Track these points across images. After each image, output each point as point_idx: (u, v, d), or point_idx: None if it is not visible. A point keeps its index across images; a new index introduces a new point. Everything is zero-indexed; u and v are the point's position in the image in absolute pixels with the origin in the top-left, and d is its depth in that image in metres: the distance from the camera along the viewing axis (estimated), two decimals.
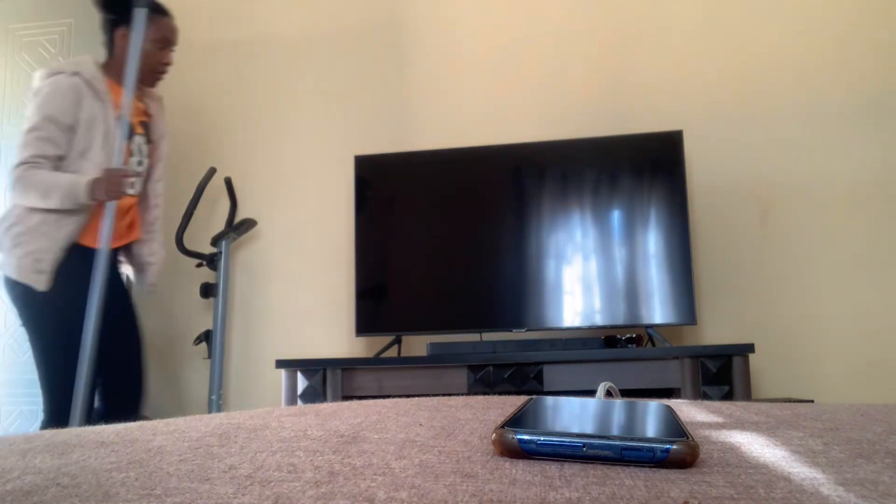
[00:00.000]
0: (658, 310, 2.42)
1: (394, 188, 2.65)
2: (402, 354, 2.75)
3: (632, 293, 2.45)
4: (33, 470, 0.41)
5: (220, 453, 0.45)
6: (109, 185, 1.93)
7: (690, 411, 0.66)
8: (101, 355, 2.01)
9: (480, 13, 2.94)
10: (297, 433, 0.52)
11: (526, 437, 0.41)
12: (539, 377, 2.30)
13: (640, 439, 0.40)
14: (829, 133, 2.65)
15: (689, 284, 2.42)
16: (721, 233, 2.68)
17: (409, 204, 2.63)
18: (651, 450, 0.39)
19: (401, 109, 2.95)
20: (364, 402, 0.74)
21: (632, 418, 0.48)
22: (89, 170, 1.96)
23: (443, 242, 2.58)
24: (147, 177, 2.21)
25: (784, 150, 2.67)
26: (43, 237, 1.93)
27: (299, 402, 2.39)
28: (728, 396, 2.21)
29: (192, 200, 2.72)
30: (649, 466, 0.39)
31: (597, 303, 2.46)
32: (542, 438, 0.41)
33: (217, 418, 0.62)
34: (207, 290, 2.75)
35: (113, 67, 2.06)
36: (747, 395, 2.20)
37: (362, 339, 2.82)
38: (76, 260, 1.98)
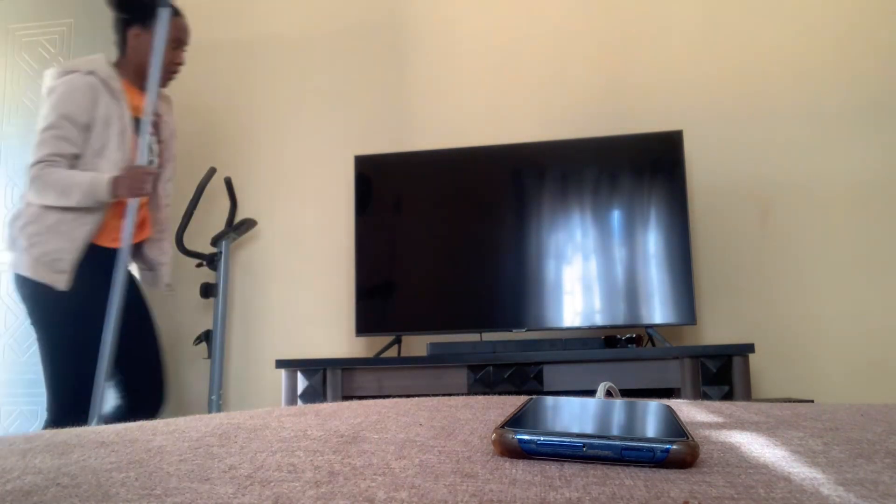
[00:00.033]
0: (658, 310, 2.42)
1: (394, 188, 2.65)
2: (402, 354, 2.75)
3: (632, 293, 2.45)
4: (33, 470, 0.41)
5: (220, 453, 0.45)
6: (133, 182, 1.94)
7: (690, 411, 0.66)
8: (120, 354, 2.02)
9: (480, 13, 2.94)
10: (297, 433, 0.52)
11: (526, 437, 0.41)
12: (539, 377, 2.30)
13: (640, 439, 0.40)
14: (829, 133, 2.65)
15: (689, 284, 2.42)
16: (721, 233, 2.68)
17: (409, 204, 2.63)
18: (651, 450, 0.39)
19: (401, 109, 2.95)
20: (364, 402, 0.74)
21: (632, 418, 0.48)
22: (106, 168, 1.95)
23: (443, 242, 2.58)
24: (157, 176, 2.21)
25: (784, 150, 2.67)
26: (61, 236, 1.93)
27: (299, 402, 2.39)
28: (728, 396, 2.21)
29: (192, 200, 2.73)
30: (649, 466, 0.39)
31: (597, 303, 2.46)
32: (542, 438, 0.41)
33: (217, 418, 0.62)
34: (207, 290, 2.75)
35: (125, 67, 2.06)
36: (747, 395, 2.20)
37: (362, 339, 2.82)
38: (90, 259, 1.98)
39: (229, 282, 2.88)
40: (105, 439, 0.52)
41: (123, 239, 2.00)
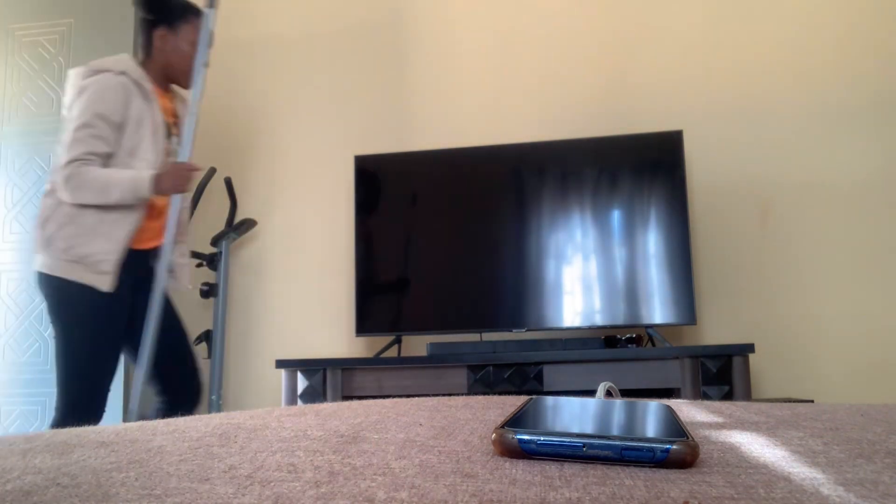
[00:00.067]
0: (658, 310, 2.42)
1: (394, 188, 2.65)
2: (402, 354, 2.75)
3: (632, 293, 2.45)
4: (33, 470, 0.41)
5: (220, 453, 0.45)
6: (176, 178, 1.95)
7: (690, 411, 0.66)
8: (155, 354, 2.03)
9: (480, 13, 2.94)
10: (297, 433, 0.52)
11: (526, 437, 0.41)
12: (539, 377, 2.30)
13: (640, 439, 0.40)
14: (829, 133, 2.65)
15: (689, 284, 2.42)
16: (721, 233, 2.68)
17: (410, 204, 2.63)
18: (651, 450, 0.39)
19: (401, 109, 2.95)
20: (364, 402, 0.74)
21: (632, 418, 0.48)
22: (140, 168, 1.96)
23: (443, 242, 2.58)
24: None
25: (784, 150, 2.67)
26: (102, 238, 1.92)
27: (299, 402, 2.39)
28: (728, 396, 2.21)
29: (192, 200, 2.73)
30: (649, 466, 0.39)
31: (597, 303, 2.46)
32: (542, 438, 0.41)
33: (217, 418, 0.62)
34: (207, 291, 2.75)
35: (150, 68, 2.07)
36: (747, 395, 2.20)
37: (362, 339, 2.82)
38: (122, 261, 1.99)
39: (229, 282, 2.88)
40: (105, 439, 0.52)
41: (166, 234, 2.04)
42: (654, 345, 2.45)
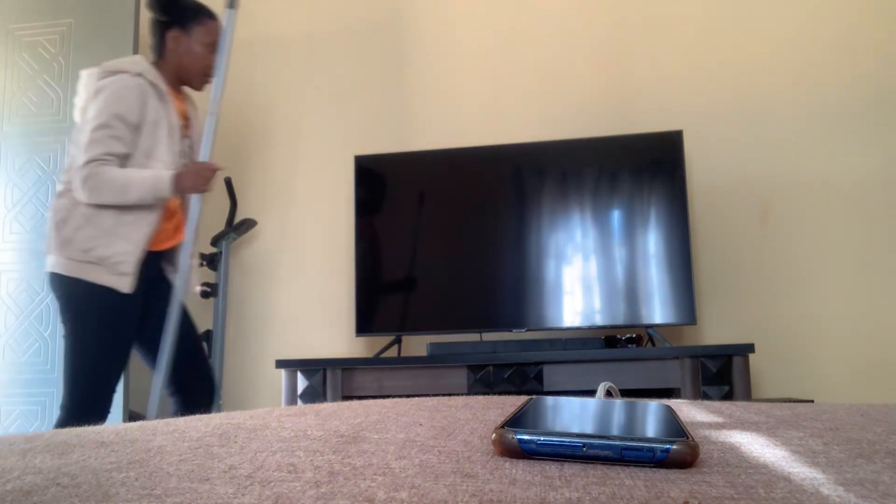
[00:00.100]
0: (658, 310, 2.42)
1: (394, 188, 2.65)
2: (402, 354, 2.75)
3: (632, 293, 2.45)
4: (33, 470, 0.41)
5: (220, 453, 0.45)
6: (198, 178, 1.96)
7: (690, 411, 0.66)
8: (177, 354, 2.04)
9: (480, 13, 2.94)
10: (297, 433, 0.52)
11: (526, 437, 0.41)
12: (539, 377, 2.30)
13: (640, 439, 0.40)
14: (829, 133, 2.65)
15: (689, 284, 2.42)
16: (721, 233, 2.68)
17: (410, 204, 2.63)
18: (651, 450, 0.39)
19: (401, 109, 2.95)
20: (364, 402, 0.74)
21: (632, 418, 0.48)
22: (156, 169, 1.97)
23: (443, 242, 2.58)
24: None
25: (784, 150, 2.67)
26: (121, 240, 1.92)
27: (299, 402, 2.39)
28: (728, 396, 2.21)
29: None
30: (649, 466, 0.39)
31: (597, 303, 2.46)
32: (542, 438, 0.41)
33: (217, 418, 0.62)
34: (208, 291, 2.75)
35: (163, 70, 2.07)
36: (747, 395, 2.20)
37: (362, 339, 2.82)
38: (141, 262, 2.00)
39: (229, 282, 2.88)
40: (105, 439, 0.52)
41: (187, 232, 2.05)
42: (654, 345, 2.45)
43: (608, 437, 0.40)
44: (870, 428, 0.53)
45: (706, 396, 2.21)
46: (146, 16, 3.15)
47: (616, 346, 2.37)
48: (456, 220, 2.59)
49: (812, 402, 1.66)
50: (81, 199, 1.90)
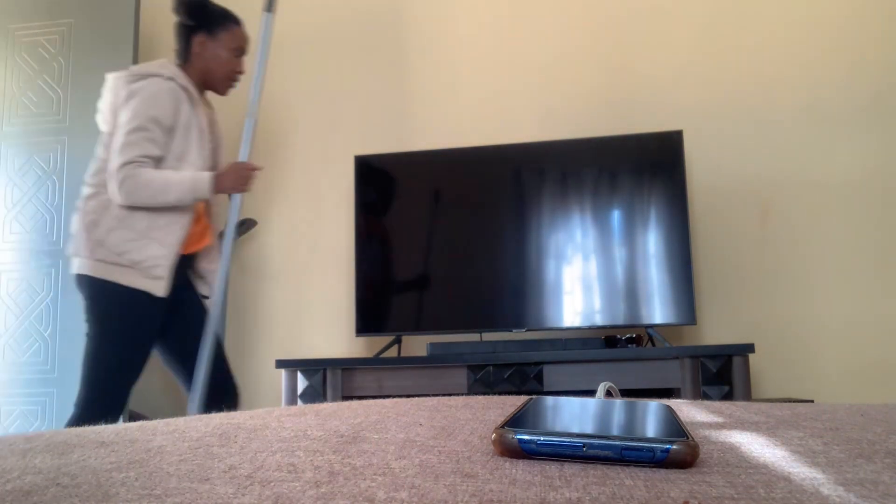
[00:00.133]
0: (658, 310, 2.42)
1: (394, 188, 2.65)
2: (402, 354, 2.75)
3: (632, 293, 2.45)
4: (33, 470, 0.41)
5: (220, 453, 0.45)
6: (237, 178, 1.99)
7: (690, 411, 0.66)
8: (190, 354, 2.05)
9: (480, 13, 2.94)
10: (297, 433, 0.52)
11: (526, 437, 0.41)
12: (539, 377, 2.30)
13: (640, 439, 0.40)
14: (828, 133, 2.65)
15: (689, 284, 2.42)
16: (721, 233, 2.68)
17: (409, 204, 2.63)
18: (651, 450, 0.39)
19: (401, 109, 2.95)
20: (364, 402, 0.74)
21: (632, 418, 0.48)
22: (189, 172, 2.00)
23: (443, 242, 2.58)
24: None
25: (784, 150, 2.67)
26: (155, 243, 1.94)
27: (299, 402, 2.39)
28: (728, 396, 2.21)
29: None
30: (649, 466, 0.39)
31: (597, 303, 2.46)
32: (542, 438, 0.41)
33: (217, 418, 0.62)
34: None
35: (189, 74, 2.08)
36: (747, 395, 2.20)
37: (362, 339, 2.82)
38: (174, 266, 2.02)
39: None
40: (105, 439, 0.52)
41: (227, 230, 2.08)
42: (654, 345, 2.45)
43: (608, 437, 0.40)
44: (870, 428, 0.53)
45: (706, 396, 2.21)
46: (146, 16, 3.16)
47: (616, 346, 2.37)
48: (456, 220, 2.59)
49: (812, 402, 1.66)
50: (118, 201, 1.91)
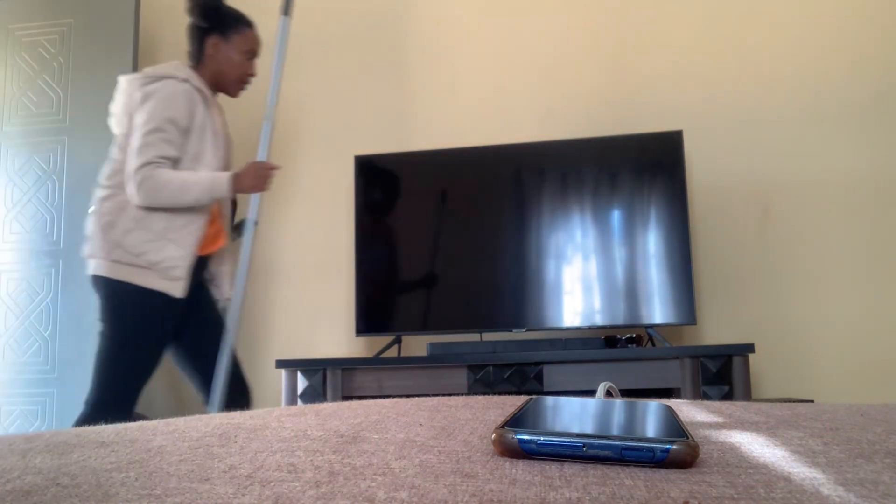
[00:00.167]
0: (658, 310, 2.42)
1: (394, 188, 2.65)
2: (402, 354, 2.75)
3: (632, 293, 2.45)
4: (33, 470, 0.41)
5: (220, 453, 0.45)
6: (256, 177, 1.99)
7: (690, 411, 0.66)
8: (204, 356, 2.05)
9: (480, 13, 2.94)
10: (297, 433, 0.52)
11: (526, 437, 0.41)
12: (539, 377, 2.30)
13: (640, 439, 0.40)
14: (828, 133, 2.65)
15: (689, 284, 2.42)
16: (721, 233, 2.68)
17: (409, 204, 2.63)
18: (651, 450, 0.39)
19: (401, 109, 2.95)
20: (364, 402, 0.74)
21: (632, 418, 0.48)
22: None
23: (443, 242, 2.58)
24: None
25: (784, 150, 2.67)
26: (173, 244, 1.94)
27: (299, 402, 2.39)
28: (728, 396, 2.21)
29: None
30: (649, 466, 0.39)
31: (597, 303, 2.46)
32: (542, 438, 0.41)
33: (217, 418, 0.62)
34: None
35: (202, 76, 2.09)
36: (747, 395, 2.20)
37: (362, 339, 2.82)
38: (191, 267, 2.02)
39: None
40: (105, 439, 0.52)
41: (246, 234, 2.09)
42: (654, 345, 2.45)
43: (608, 437, 0.40)
44: (870, 428, 0.53)
45: (706, 396, 2.21)
46: (146, 16, 3.16)
47: (616, 346, 2.37)
48: (457, 220, 2.59)
49: (812, 402, 1.66)
50: (136, 202, 1.91)
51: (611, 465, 0.40)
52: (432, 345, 2.40)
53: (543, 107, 2.84)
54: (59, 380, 2.74)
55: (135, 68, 2.86)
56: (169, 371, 2.92)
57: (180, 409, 2.90)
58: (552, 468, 0.39)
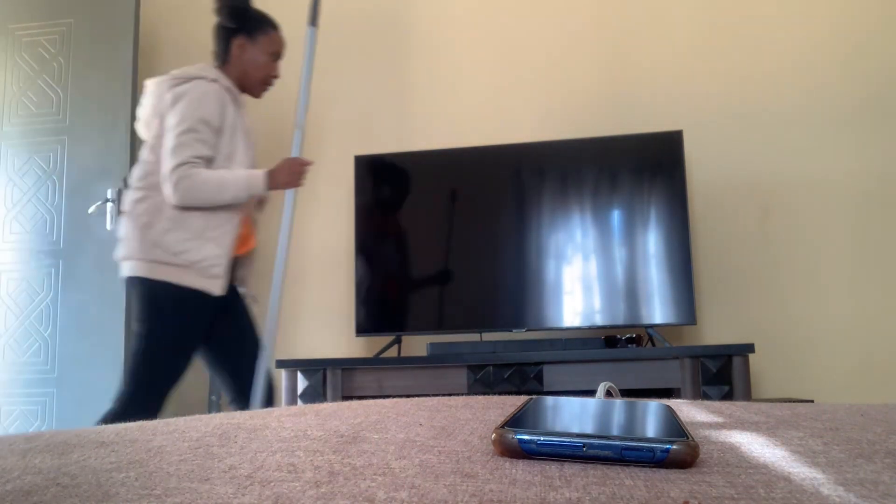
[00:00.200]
0: (658, 310, 2.42)
1: (394, 188, 2.65)
2: (402, 354, 2.75)
3: (632, 293, 2.45)
4: (33, 470, 0.41)
5: (220, 453, 0.45)
6: (291, 173, 2.00)
7: (690, 411, 0.66)
8: (233, 357, 2.06)
9: (481, 13, 2.94)
10: (297, 433, 0.52)
11: (526, 437, 0.41)
12: (539, 377, 2.30)
13: (640, 439, 0.40)
14: (829, 133, 2.65)
15: (689, 284, 2.42)
16: (721, 233, 2.68)
17: (409, 204, 2.63)
18: (651, 450, 0.39)
19: (401, 109, 2.95)
20: (364, 402, 0.74)
21: (632, 418, 0.48)
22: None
23: (443, 242, 2.58)
24: None
25: (784, 150, 2.67)
26: (212, 243, 1.95)
27: (299, 402, 2.39)
28: (728, 396, 2.21)
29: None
30: (649, 466, 0.39)
31: (597, 303, 2.46)
32: (542, 438, 0.41)
33: (217, 418, 0.62)
34: None
35: (228, 76, 2.09)
36: (747, 395, 2.20)
37: (362, 339, 2.82)
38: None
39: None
40: (105, 439, 0.52)
41: (283, 227, 2.10)
42: (654, 345, 2.45)
43: (608, 437, 0.40)
44: (870, 428, 0.53)
45: (706, 396, 2.21)
46: (146, 16, 3.16)
47: (616, 346, 2.37)
48: (456, 220, 2.59)
49: (812, 402, 1.66)
50: (173, 202, 1.92)
51: (611, 465, 0.40)
52: (432, 345, 2.40)
53: (543, 107, 2.84)
54: (59, 380, 2.74)
55: (135, 68, 2.86)
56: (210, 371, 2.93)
57: (181, 410, 2.90)
58: (552, 468, 0.39)
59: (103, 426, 0.61)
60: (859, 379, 2.53)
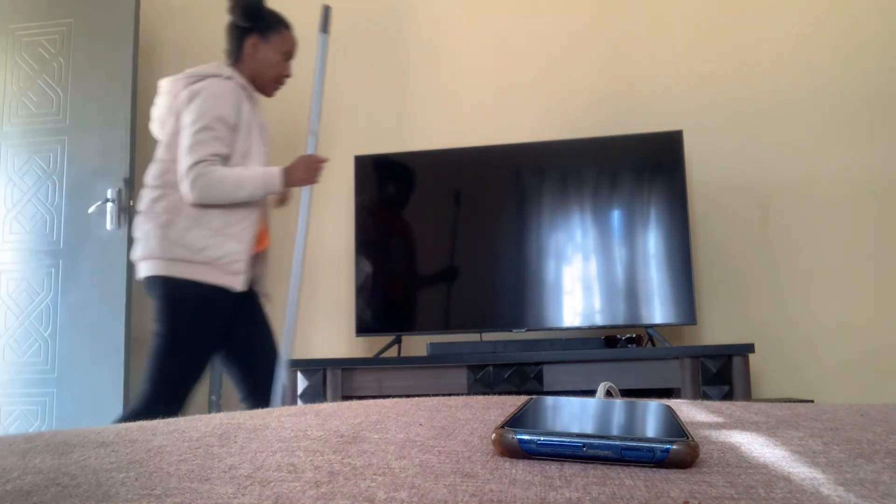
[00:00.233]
0: (658, 310, 2.42)
1: (394, 188, 2.65)
2: (402, 354, 2.75)
3: (632, 293, 2.45)
4: (33, 470, 0.41)
5: (220, 453, 0.45)
6: (307, 170, 2.01)
7: (690, 411, 0.66)
8: (247, 355, 2.07)
9: (481, 13, 2.94)
10: (297, 433, 0.52)
11: (526, 437, 0.41)
12: (539, 377, 2.30)
13: (640, 439, 0.40)
14: (829, 133, 2.65)
15: (689, 284, 2.42)
16: (721, 233, 2.68)
17: (409, 204, 2.63)
18: (651, 450, 0.39)
19: (401, 109, 2.95)
20: (364, 402, 0.74)
21: (632, 418, 0.48)
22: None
23: (443, 242, 2.58)
24: None
25: (784, 150, 2.67)
26: (232, 240, 1.96)
27: (299, 402, 2.39)
28: (728, 396, 2.21)
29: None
30: (649, 466, 0.39)
31: (597, 303, 2.46)
32: (542, 438, 0.41)
33: (217, 418, 0.62)
34: None
35: (241, 74, 2.10)
36: (747, 395, 2.20)
37: (362, 339, 2.82)
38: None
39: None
40: (105, 439, 0.52)
41: (300, 222, 2.11)
42: (654, 345, 2.45)
43: (608, 437, 0.40)
44: (870, 428, 0.53)
45: (706, 396, 2.21)
46: (146, 16, 3.15)
47: (616, 346, 2.37)
48: (456, 220, 2.59)
49: (812, 402, 1.66)
50: (190, 200, 1.92)
51: (611, 465, 0.40)
52: (432, 345, 2.40)
53: (543, 107, 2.84)
54: (59, 380, 2.74)
55: (135, 68, 2.86)
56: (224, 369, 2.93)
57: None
58: (552, 468, 0.39)
59: (103, 426, 0.61)
60: (859, 379, 2.53)
